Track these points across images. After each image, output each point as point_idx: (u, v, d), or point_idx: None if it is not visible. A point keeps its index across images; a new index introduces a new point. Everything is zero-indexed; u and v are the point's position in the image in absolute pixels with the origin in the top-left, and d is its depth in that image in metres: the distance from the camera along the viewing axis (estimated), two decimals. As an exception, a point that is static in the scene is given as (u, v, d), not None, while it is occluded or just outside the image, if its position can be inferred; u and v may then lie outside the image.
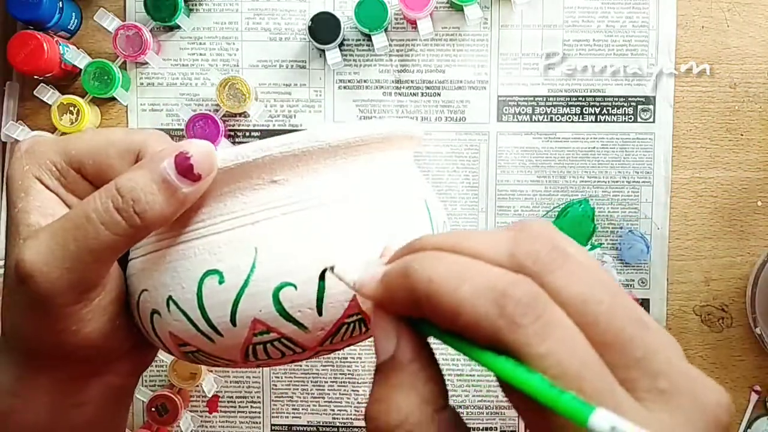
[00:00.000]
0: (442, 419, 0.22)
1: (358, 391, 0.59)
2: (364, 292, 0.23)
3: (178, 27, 0.57)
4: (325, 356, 0.56)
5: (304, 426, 0.59)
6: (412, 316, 0.22)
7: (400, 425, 0.21)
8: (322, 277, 0.28)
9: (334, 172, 0.30)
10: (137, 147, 0.30)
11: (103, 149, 0.30)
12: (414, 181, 0.33)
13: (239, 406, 0.59)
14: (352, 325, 0.29)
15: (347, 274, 0.25)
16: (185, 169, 0.27)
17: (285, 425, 0.59)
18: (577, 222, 0.57)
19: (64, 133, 0.57)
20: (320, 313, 0.28)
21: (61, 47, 0.54)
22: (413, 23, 0.56)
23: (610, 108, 0.58)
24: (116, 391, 0.33)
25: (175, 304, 0.29)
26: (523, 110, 0.58)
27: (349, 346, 0.32)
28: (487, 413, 0.58)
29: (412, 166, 0.35)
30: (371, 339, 0.28)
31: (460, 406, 0.58)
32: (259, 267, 0.28)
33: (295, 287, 0.28)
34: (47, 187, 0.30)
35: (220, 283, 0.28)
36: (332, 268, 0.26)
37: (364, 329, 0.30)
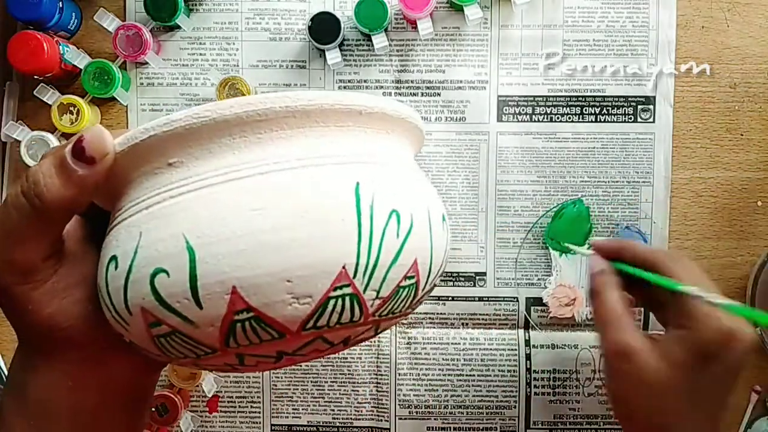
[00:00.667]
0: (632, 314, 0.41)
1: (358, 391, 0.59)
2: (599, 246, 0.45)
3: (178, 27, 0.57)
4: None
5: (304, 426, 0.59)
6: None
7: (609, 313, 0.41)
8: (192, 263, 0.26)
9: (231, 153, 0.28)
10: None
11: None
12: (340, 164, 0.29)
13: (239, 406, 0.59)
14: (247, 323, 0.27)
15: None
16: (78, 151, 0.28)
17: (285, 425, 0.59)
18: (573, 222, 0.57)
19: (64, 133, 0.57)
20: (199, 305, 0.26)
21: (61, 47, 0.54)
22: (413, 23, 0.56)
23: (610, 108, 0.58)
24: (131, 386, 0.34)
25: (99, 292, 0.29)
26: (523, 110, 0.58)
27: (271, 355, 0.29)
28: (487, 413, 0.58)
29: (346, 146, 0.30)
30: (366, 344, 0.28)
31: (460, 406, 0.58)
32: (139, 252, 0.27)
33: (168, 274, 0.26)
34: None
35: (116, 268, 0.28)
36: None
37: (274, 334, 0.27)
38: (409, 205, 0.30)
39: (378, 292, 0.28)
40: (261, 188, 0.27)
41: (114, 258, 0.28)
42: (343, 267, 0.27)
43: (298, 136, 0.29)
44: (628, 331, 0.39)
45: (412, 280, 0.30)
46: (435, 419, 0.58)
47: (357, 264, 0.27)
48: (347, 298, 0.28)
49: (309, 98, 0.28)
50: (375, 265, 0.28)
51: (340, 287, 0.27)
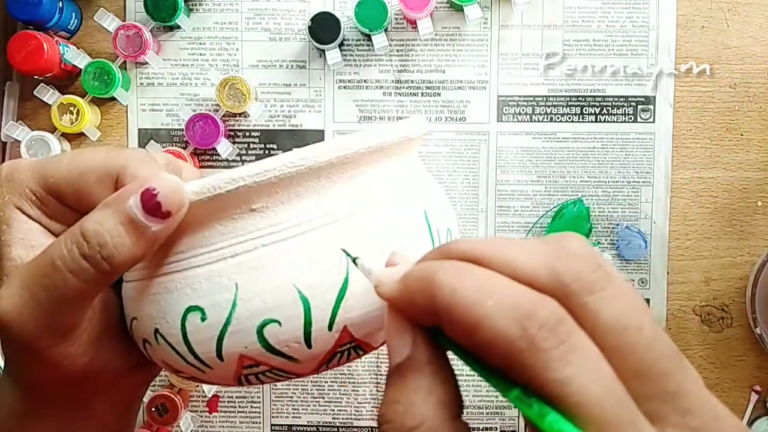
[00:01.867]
0: (459, 428, 0.21)
1: (358, 391, 0.59)
2: (381, 290, 0.23)
3: (178, 27, 0.57)
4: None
5: (304, 426, 0.59)
6: (425, 324, 0.22)
7: (417, 428, 0.20)
8: (307, 312, 0.27)
9: (317, 194, 0.28)
10: (116, 171, 0.28)
11: (80, 176, 0.28)
12: (411, 191, 0.31)
13: (239, 406, 0.59)
14: (346, 352, 0.29)
15: (369, 267, 0.26)
16: (153, 207, 0.25)
17: (285, 425, 0.59)
18: (573, 222, 0.57)
19: (64, 133, 0.57)
20: (309, 346, 0.27)
21: (61, 47, 0.54)
22: (413, 23, 0.56)
23: (610, 108, 0.58)
24: (125, 402, 0.33)
25: (162, 337, 0.28)
26: (523, 110, 0.58)
27: (348, 363, 0.31)
28: (487, 413, 0.58)
29: (411, 170, 0.32)
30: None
31: (460, 406, 0.58)
32: (240, 304, 0.27)
33: (280, 324, 0.27)
34: (30, 217, 0.29)
35: (203, 320, 0.27)
36: (354, 260, 0.27)
37: (360, 353, 0.30)
38: (450, 221, 0.32)
39: None
40: (353, 232, 0.28)
41: (197, 309, 0.27)
42: None
43: (372, 169, 0.30)
44: None
45: None
46: (435, 419, 0.58)
47: None
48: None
49: (387, 135, 0.29)
50: None
51: None
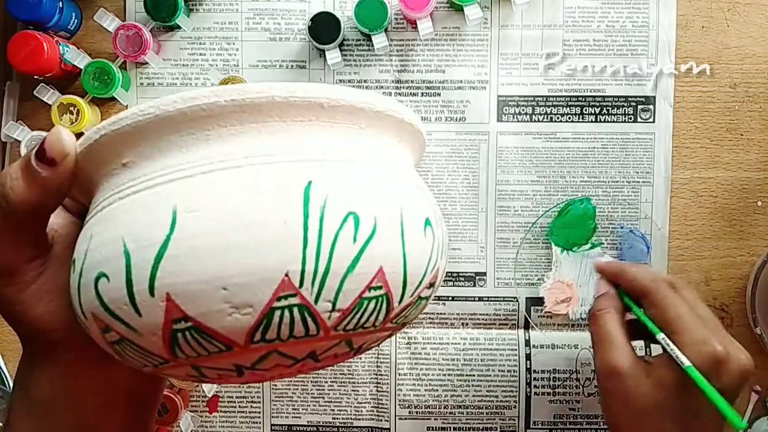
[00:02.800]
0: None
1: (358, 391, 0.59)
2: (602, 267, 0.49)
3: (178, 27, 0.57)
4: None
5: (304, 426, 0.59)
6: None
7: (607, 309, 0.45)
8: (128, 267, 0.25)
9: (179, 150, 0.26)
10: None
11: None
12: (304, 160, 0.27)
13: (239, 406, 0.59)
14: (187, 333, 0.25)
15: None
16: (40, 153, 0.28)
17: (285, 425, 0.59)
18: (578, 220, 0.57)
19: (64, 133, 0.57)
20: (138, 312, 0.25)
21: (61, 47, 0.54)
22: (413, 23, 0.56)
23: (610, 108, 0.58)
24: (134, 389, 0.34)
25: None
26: (523, 110, 0.58)
27: (224, 369, 0.27)
28: (487, 413, 0.58)
29: (323, 142, 0.28)
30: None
31: (460, 406, 0.58)
32: (88, 255, 0.27)
33: (108, 278, 0.26)
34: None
35: (72, 271, 0.28)
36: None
37: (220, 346, 0.26)
38: (374, 207, 0.27)
39: (334, 304, 0.26)
40: (198, 189, 0.25)
41: (73, 261, 0.28)
42: (286, 274, 0.25)
43: (250, 133, 0.27)
44: (619, 352, 0.42)
45: (380, 291, 0.27)
46: (435, 419, 0.58)
47: (303, 271, 0.25)
48: (295, 309, 0.25)
49: (257, 91, 0.26)
50: (326, 273, 0.25)
51: (285, 297, 0.25)
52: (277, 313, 0.25)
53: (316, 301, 0.25)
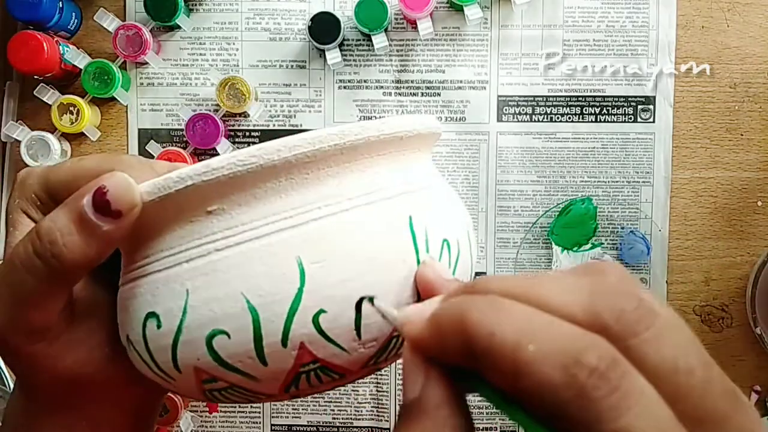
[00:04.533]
0: None
1: (358, 391, 0.59)
2: (407, 329, 0.21)
3: (178, 27, 0.57)
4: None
5: (304, 426, 0.59)
6: (457, 364, 0.20)
7: None
8: (256, 323, 0.24)
9: (277, 197, 0.26)
10: (104, 174, 0.28)
11: (75, 180, 0.28)
12: (396, 195, 0.27)
13: (239, 406, 0.59)
14: (312, 373, 0.26)
15: (387, 307, 0.24)
16: (102, 205, 0.25)
17: (285, 425, 0.59)
18: (579, 220, 0.57)
19: (64, 133, 0.57)
20: (263, 363, 0.25)
21: (61, 47, 0.54)
22: (413, 23, 0.56)
23: (610, 108, 0.58)
24: (135, 410, 0.33)
25: (131, 344, 0.27)
26: (523, 110, 0.58)
27: (328, 390, 0.28)
28: (487, 413, 0.58)
29: (401, 172, 0.29)
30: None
31: (460, 406, 0.58)
32: (190, 311, 0.25)
33: (228, 336, 0.25)
34: (34, 220, 0.29)
35: (158, 327, 0.26)
36: (371, 300, 0.25)
37: (336, 377, 0.27)
38: (454, 230, 0.29)
39: None
40: (317, 237, 0.25)
41: (153, 316, 0.26)
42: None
43: (345, 173, 0.27)
44: None
45: None
46: (435, 419, 0.58)
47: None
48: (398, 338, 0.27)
49: (356, 133, 0.26)
50: None
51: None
52: (394, 340, 0.27)
53: None
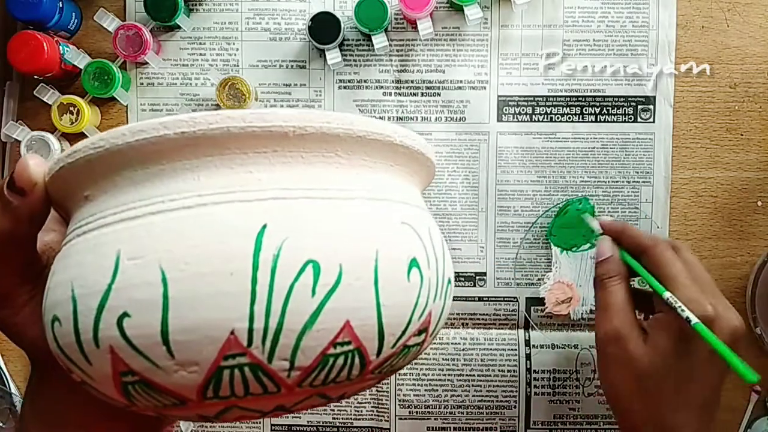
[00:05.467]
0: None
1: (358, 391, 0.59)
2: (606, 224, 0.49)
3: (178, 27, 0.57)
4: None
5: (304, 426, 0.59)
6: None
7: (609, 275, 0.46)
8: (75, 315, 0.24)
9: (133, 187, 0.24)
10: None
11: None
12: (263, 199, 0.24)
13: (239, 406, 0.59)
14: (137, 386, 0.24)
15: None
16: (10, 183, 0.28)
17: (285, 425, 0.59)
18: (577, 221, 0.57)
19: (64, 133, 0.57)
20: (87, 360, 0.24)
21: (61, 47, 0.54)
22: (413, 23, 0.56)
23: (610, 108, 0.58)
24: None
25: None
26: (523, 110, 0.58)
27: (179, 419, 0.26)
28: (487, 413, 0.58)
29: (288, 174, 0.25)
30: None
31: (460, 406, 0.58)
32: (48, 294, 0.26)
33: (60, 323, 0.25)
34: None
35: (45, 304, 0.27)
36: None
37: (168, 401, 0.24)
38: (340, 252, 0.24)
39: (292, 362, 0.23)
40: (142, 233, 0.23)
41: (48, 289, 0.27)
42: (232, 332, 0.22)
43: (206, 167, 0.24)
44: (621, 318, 0.43)
45: (349, 346, 0.24)
46: (435, 419, 0.58)
47: (251, 329, 0.22)
48: (246, 368, 0.23)
49: (210, 121, 0.23)
50: (278, 331, 0.23)
51: (232, 356, 0.23)
52: (226, 372, 0.23)
53: (269, 360, 0.23)
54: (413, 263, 0.26)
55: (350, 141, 0.26)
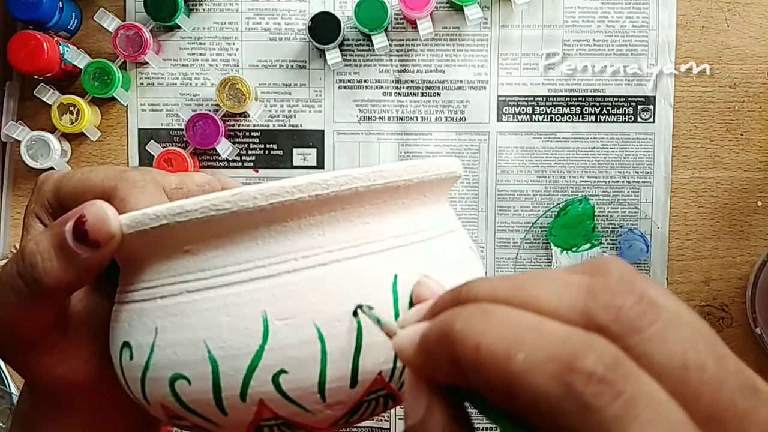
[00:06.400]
0: None
1: (358, 391, 0.59)
2: (403, 357, 0.20)
3: (178, 27, 0.57)
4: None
5: (304, 426, 0.59)
6: (460, 386, 0.18)
7: None
8: (215, 374, 0.24)
9: (255, 243, 0.25)
10: (109, 192, 0.29)
11: (82, 194, 0.29)
12: (386, 249, 0.26)
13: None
14: (275, 428, 0.25)
15: (388, 322, 0.23)
16: (81, 234, 0.25)
17: (285, 425, 0.59)
18: (577, 221, 0.57)
19: (64, 133, 0.57)
20: (223, 413, 0.25)
21: (61, 47, 0.54)
22: (413, 23, 0.56)
23: (610, 108, 0.58)
24: (140, 416, 0.33)
25: (114, 367, 0.28)
26: (523, 110, 0.58)
27: None
28: (487, 413, 0.58)
29: (397, 221, 0.27)
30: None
31: (460, 406, 0.58)
32: (157, 351, 0.25)
33: (189, 382, 0.24)
34: (44, 225, 0.30)
35: (131, 358, 0.26)
36: (366, 309, 0.23)
37: (390, 404, 0.26)
38: (450, 286, 0.27)
39: None
40: (287, 292, 0.24)
41: (128, 346, 0.26)
42: (379, 374, 0.24)
43: (330, 222, 0.25)
44: None
45: None
46: (435, 419, 0.58)
47: (394, 368, 0.25)
48: (381, 398, 0.26)
49: (341, 183, 0.24)
50: None
51: (375, 392, 0.25)
52: (365, 404, 0.25)
53: (400, 387, 0.26)
54: None
55: (435, 183, 0.28)
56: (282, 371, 0.24)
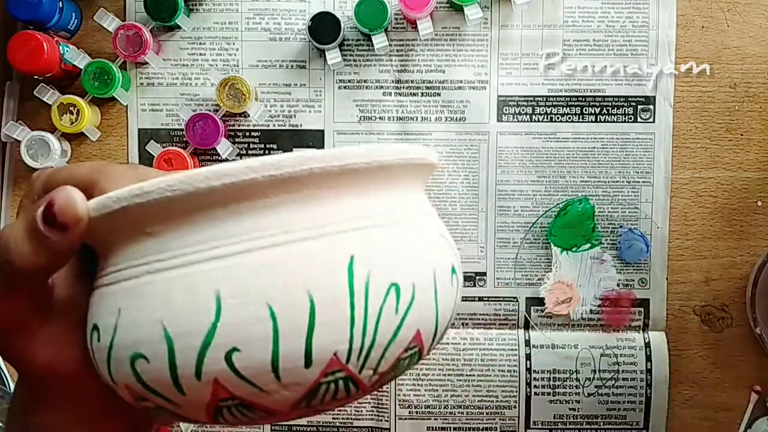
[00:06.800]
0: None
1: (358, 391, 0.59)
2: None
3: (178, 27, 0.57)
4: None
5: (304, 426, 0.59)
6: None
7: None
8: (171, 353, 0.24)
9: (211, 225, 0.25)
10: (91, 186, 0.29)
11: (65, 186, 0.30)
12: (344, 231, 0.26)
13: (239, 406, 0.60)
14: (233, 408, 0.26)
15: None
16: (49, 218, 0.26)
17: (285, 425, 0.59)
18: (577, 221, 0.57)
19: (64, 133, 0.57)
20: (181, 392, 0.25)
21: (61, 47, 0.54)
22: (413, 23, 0.56)
23: (610, 108, 0.58)
24: (137, 412, 0.33)
25: (88, 349, 0.28)
26: (523, 110, 0.58)
27: (263, 424, 0.28)
28: (487, 413, 0.58)
29: (358, 205, 0.27)
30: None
31: (460, 406, 0.58)
32: (119, 331, 0.26)
33: (147, 360, 0.25)
34: None
35: (98, 340, 0.27)
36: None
37: (260, 413, 0.26)
38: (411, 272, 0.27)
39: (375, 370, 0.26)
40: (240, 271, 0.25)
41: (96, 328, 0.27)
42: (335, 354, 0.25)
43: (286, 204, 0.25)
44: None
45: (414, 350, 0.28)
46: (435, 419, 0.58)
47: (350, 350, 0.25)
48: (341, 381, 0.26)
49: (294, 164, 0.25)
50: (371, 347, 0.25)
51: (332, 373, 0.25)
52: (323, 386, 0.26)
53: (360, 371, 0.26)
54: (453, 270, 0.29)
55: (403, 168, 0.28)
56: (234, 349, 0.24)
